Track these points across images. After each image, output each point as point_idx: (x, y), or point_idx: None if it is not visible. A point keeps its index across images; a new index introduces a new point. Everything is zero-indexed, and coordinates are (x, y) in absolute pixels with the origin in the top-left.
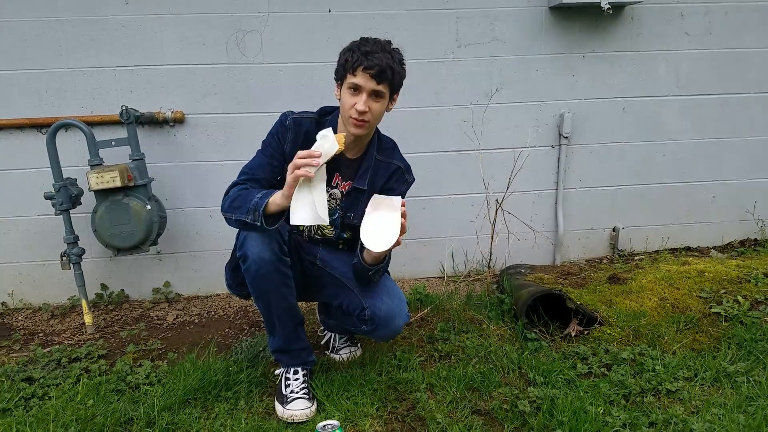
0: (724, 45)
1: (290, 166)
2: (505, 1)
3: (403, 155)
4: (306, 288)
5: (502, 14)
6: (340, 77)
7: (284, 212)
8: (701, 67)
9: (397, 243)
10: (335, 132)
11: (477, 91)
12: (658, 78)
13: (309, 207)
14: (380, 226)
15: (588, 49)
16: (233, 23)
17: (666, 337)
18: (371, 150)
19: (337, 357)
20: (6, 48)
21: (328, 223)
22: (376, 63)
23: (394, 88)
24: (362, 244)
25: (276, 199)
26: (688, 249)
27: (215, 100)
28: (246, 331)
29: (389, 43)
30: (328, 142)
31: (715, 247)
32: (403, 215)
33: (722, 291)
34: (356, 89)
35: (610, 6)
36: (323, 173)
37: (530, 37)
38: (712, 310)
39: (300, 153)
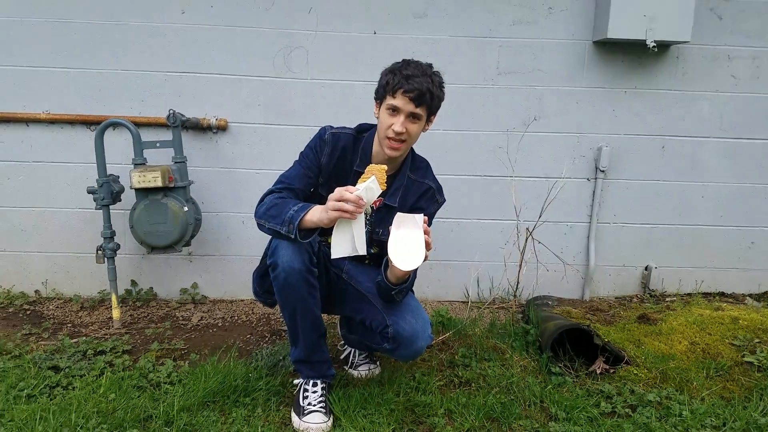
0: None
1: (334, 200)
2: (549, 34)
3: (436, 176)
4: (330, 300)
5: (545, 46)
6: (380, 97)
7: (318, 228)
8: (747, 111)
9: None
10: (370, 156)
11: (514, 119)
12: (701, 118)
13: (349, 240)
14: (407, 244)
15: (630, 85)
16: (282, 39)
17: (695, 383)
18: (405, 168)
19: (355, 373)
20: (67, 47)
21: (365, 254)
22: (416, 87)
23: (432, 110)
24: (386, 262)
25: (312, 217)
26: (722, 294)
27: (258, 111)
28: (267, 339)
29: (430, 66)
30: (372, 193)
31: (750, 295)
32: (426, 233)
33: (756, 340)
34: (395, 110)
35: (655, 44)
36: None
37: (572, 70)
38: (745, 359)
39: (347, 195)
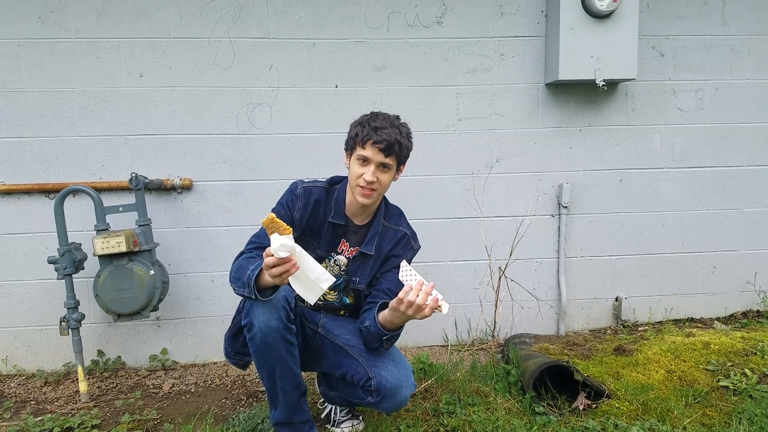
0: (716, 120)
1: (266, 269)
2: (504, 79)
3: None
4: (307, 357)
5: (500, 90)
6: (350, 148)
7: (277, 285)
8: (695, 141)
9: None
10: (343, 206)
11: (478, 161)
12: (653, 150)
13: (310, 283)
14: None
15: (584, 123)
16: (244, 96)
17: (675, 412)
18: (379, 216)
19: (338, 431)
20: (22, 116)
21: (332, 281)
22: (385, 138)
23: (401, 160)
24: (381, 307)
25: (265, 277)
26: (691, 320)
27: (223, 168)
28: (243, 402)
29: (398, 118)
30: (288, 241)
31: (718, 318)
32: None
33: (729, 363)
34: (365, 161)
35: (604, 83)
36: (300, 251)
37: (528, 112)
38: (720, 383)
39: (269, 261)
